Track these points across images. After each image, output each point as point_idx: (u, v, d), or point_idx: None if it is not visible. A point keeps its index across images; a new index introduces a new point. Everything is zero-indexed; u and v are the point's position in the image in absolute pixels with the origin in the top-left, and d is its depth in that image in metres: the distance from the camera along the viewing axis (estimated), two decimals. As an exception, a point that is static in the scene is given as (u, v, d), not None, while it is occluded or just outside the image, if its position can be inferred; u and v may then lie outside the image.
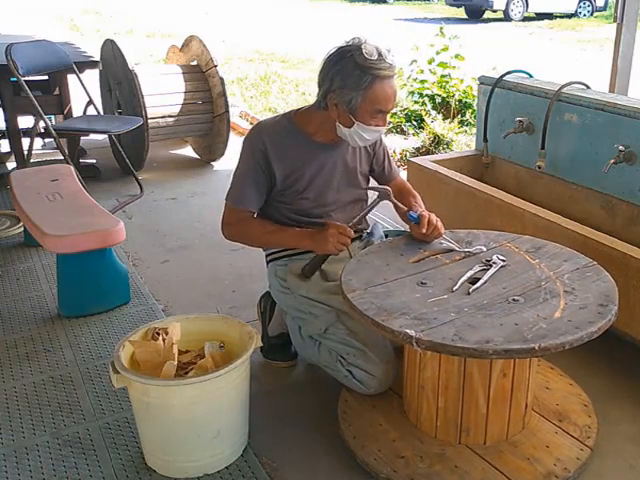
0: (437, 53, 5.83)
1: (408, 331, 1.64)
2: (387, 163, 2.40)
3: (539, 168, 3.03)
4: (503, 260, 2.00)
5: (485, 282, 1.88)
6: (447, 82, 5.90)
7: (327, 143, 2.18)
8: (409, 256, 2.05)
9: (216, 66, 4.78)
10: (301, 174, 2.18)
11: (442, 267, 1.98)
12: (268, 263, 2.37)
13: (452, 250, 2.08)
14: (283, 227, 2.21)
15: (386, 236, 2.42)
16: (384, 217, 3.73)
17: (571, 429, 2.01)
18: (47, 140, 5.12)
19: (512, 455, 1.90)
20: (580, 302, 1.79)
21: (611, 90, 3.53)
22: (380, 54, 1.99)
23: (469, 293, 1.83)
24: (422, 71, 6.01)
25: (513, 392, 1.91)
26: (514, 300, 1.79)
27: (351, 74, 1.98)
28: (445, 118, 5.70)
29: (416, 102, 5.88)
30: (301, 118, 2.18)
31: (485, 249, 2.08)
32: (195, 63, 5.01)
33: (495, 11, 17.33)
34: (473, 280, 1.90)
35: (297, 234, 2.17)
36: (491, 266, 1.96)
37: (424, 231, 2.09)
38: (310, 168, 2.18)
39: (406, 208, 2.19)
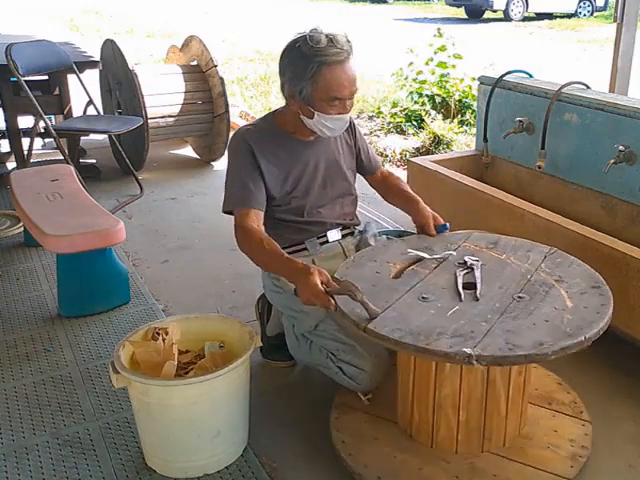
0: (435, 52, 5.84)
1: (466, 350, 1.56)
2: (367, 154, 2.41)
3: (539, 168, 3.03)
4: (476, 260, 2.00)
5: (477, 285, 1.88)
6: (447, 82, 5.90)
7: (308, 140, 2.18)
8: (385, 272, 1.97)
9: (216, 66, 4.77)
10: (287, 174, 2.18)
11: (427, 278, 1.94)
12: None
13: (421, 259, 2.04)
14: (284, 257, 1.98)
15: (386, 237, 2.41)
16: (383, 217, 3.73)
17: (563, 409, 2.09)
18: (47, 140, 5.12)
19: (533, 448, 1.93)
20: (577, 288, 1.86)
21: (611, 90, 3.53)
22: (331, 40, 1.97)
23: (477, 299, 1.81)
24: (421, 72, 6.01)
25: (525, 387, 1.95)
26: (520, 298, 1.81)
27: (298, 64, 1.98)
28: (445, 118, 5.70)
29: (416, 102, 5.88)
30: (280, 118, 2.19)
31: (454, 253, 2.07)
32: (195, 63, 5.01)
33: (495, 11, 17.33)
34: (466, 285, 1.89)
35: (288, 270, 1.95)
36: (472, 268, 1.96)
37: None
38: (295, 167, 2.19)
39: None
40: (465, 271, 1.95)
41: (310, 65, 1.96)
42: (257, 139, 2.15)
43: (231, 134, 4.89)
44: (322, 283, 1.81)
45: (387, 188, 2.44)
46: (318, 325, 2.15)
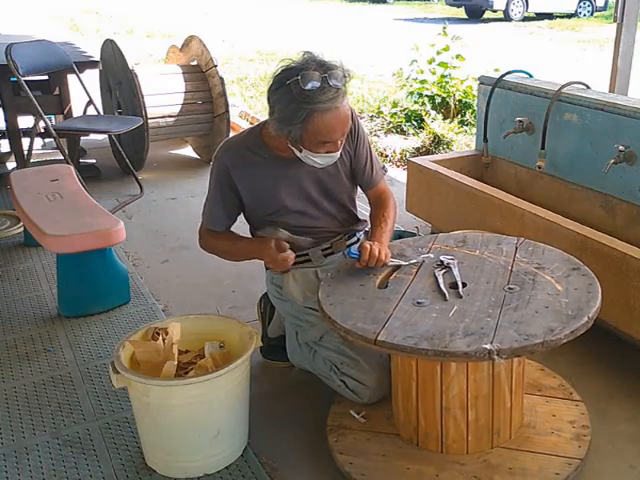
0: (438, 53, 5.83)
1: (485, 346, 1.58)
2: (369, 166, 2.22)
3: (539, 168, 3.03)
4: (452, 259, 2.01)
5: (465, 283, 1.89)
6: (447, 82, 5.90)
7: (296, 158, 2.03)
8: (369, 283, 1.95)
9: (216, 66, 4.78)
10: (272, 194, 2.11)
11: (412, 283, 1.94)
12: (267, 268, 2.35)
13: (399, 266, 2.02)
14: (243, 238, 2.19)
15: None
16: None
17: (554, 393, 2.14)
18: (47, 140, 5.11)
19: (539, 436, 1.97)
20: (560, 272, 1.92)
21: (611, 90, 3.53)
22: (325, 79, 1.81)
23: (461, 296, 1.83)
24: (422, 71, 6.01)
25: (523, 378, 1.97)
26: (511, 289, 1.85)
27: (286, 108, 1.85)
28: (445, 118, 5.70)
29: (416, 102, 5.88)
30: (267, 133, 2.06)
31: (432, 255, 2.07)
32: (195, 63, 5.01)
33: (495, 11, 17.32)
34: (452, 285, 1.90)
35: (251, 249, 2.16)
36: (449, 267, 1.97)
37: (364, 264, 1.97)
38: (281, 186, 2.11)
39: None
40: (443, 271, 1.97)
41: (300, 111, 1.83)
42: (237, 157, 2.09)
43: (231, 134, 4.91)
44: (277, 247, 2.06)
45: (372, 205, 2.30)
46: (323, 337, 2.15)
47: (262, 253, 2.10)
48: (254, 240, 2.21)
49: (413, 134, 5.55)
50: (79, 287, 2.82)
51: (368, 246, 1.98)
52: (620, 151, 2.67)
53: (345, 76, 1.86)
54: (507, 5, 16.89)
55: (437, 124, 5.44)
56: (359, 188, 2.31)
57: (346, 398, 2.11)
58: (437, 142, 5.26)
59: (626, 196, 2.75)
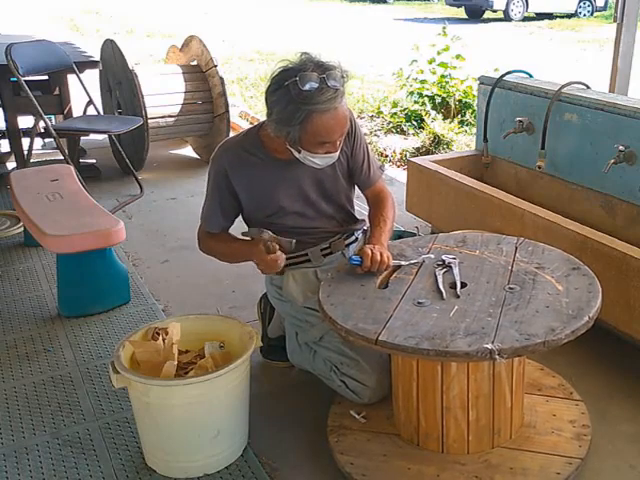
0: (438, 53, 5.83)
1: (486, 346, 1.58)
2: (366, 166, 2.22)
3: (539, 168, 3.03)
4: (454, 258, 2.02)
5: (465, 283, 1.90)
6: (447, 82, 5.90)
7: (294, 159, 2.03)
8: (369, 283, 1.95)
9: (216, 66, 4.78)
10: (270, 196, 2.11)
11: (413, 283, 1.94)
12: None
13: (400, 265, 2.03)
14: (237, 240, 2.17)
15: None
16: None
17: (554, 392, 2.14)
18: (47, 140, 5.11)
19: (539, 435, 1.97)
20: (560, 272, 1.92)
21: (611, 90, 3.53)
22: (323, 80, 1.81)
23: (458, 296, 1.83)
24: (422, 71, 6.01)
25: (523, 377, 1.97)
26: (511, 289, 1.85)
27: (285, 109, 1.85)
28: (445, 118, 5.70)
29: (416, 102, 5.88)
30: (265, 135, 2.06)
31: (432, 256, 2.07)
32: (195, 63, 5.02)
33: (495, 11, 17.32)
34: (453, 285, 1.90)
35: (243, 251, 2.14)
36: (450, 267, 1.98)
37: (367, 270, 1.96)
38: (279, 189, 2.11)
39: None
40: (444, 270, 1.97)
41: (298, 112, 1.83)
42: (235, 158, 2.09)
43: (231, 134, 4.91)
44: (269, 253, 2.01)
45: (371, 204, 2.29)
46: (323, 337, 2.15)
47: (252, 255, 2.07)
48: (245, 242, 2.17)
49: (413, 134, 5.55)
50: (79, 287, 2.82)
51: (369, 252, 1.97)
52: (620, 151, 2.67)
53: (343, 76, 1.87)
54: (507, 5, 16.89)
55: (437, 124, 5.44)
56: (357, 188, 2.31)
57: (346, 398, 2.11)
58: (437, 142, 5.26)
59: (626, 196, 2.75)
